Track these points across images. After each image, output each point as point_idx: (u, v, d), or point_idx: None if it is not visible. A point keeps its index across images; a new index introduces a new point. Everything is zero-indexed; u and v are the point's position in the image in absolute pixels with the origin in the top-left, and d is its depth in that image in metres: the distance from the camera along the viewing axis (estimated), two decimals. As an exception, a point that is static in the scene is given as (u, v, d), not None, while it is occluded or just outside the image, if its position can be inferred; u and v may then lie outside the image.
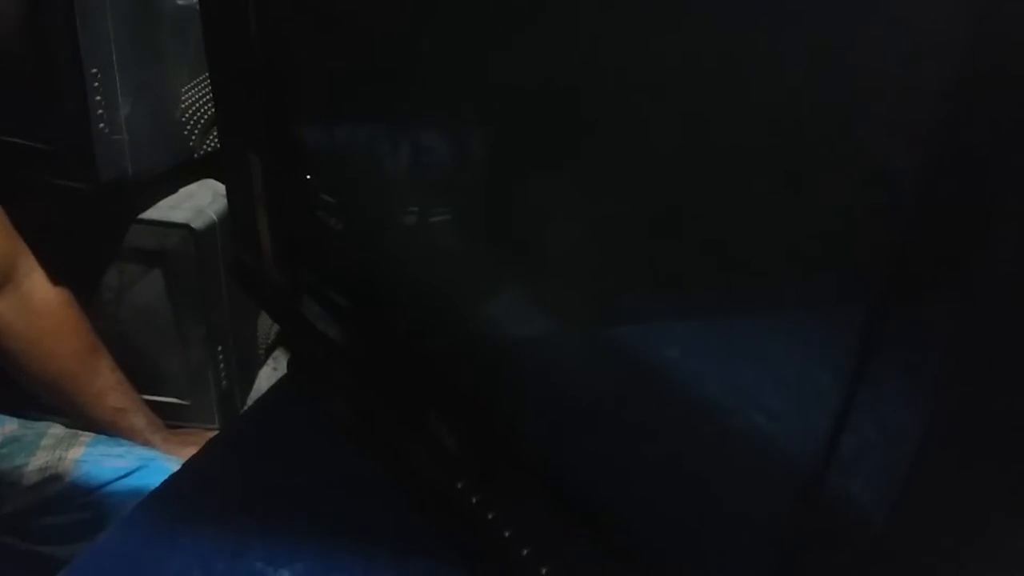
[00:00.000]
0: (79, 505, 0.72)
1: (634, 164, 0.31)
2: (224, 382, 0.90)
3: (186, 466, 0.54)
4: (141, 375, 0.87)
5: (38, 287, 0.75)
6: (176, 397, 0.89)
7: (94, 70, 0.70)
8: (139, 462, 0.75)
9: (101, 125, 0.73)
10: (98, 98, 0.71)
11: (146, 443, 0.80)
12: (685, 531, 0.35)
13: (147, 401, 0.85)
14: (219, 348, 0.88)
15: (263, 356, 1.00)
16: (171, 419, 0.87)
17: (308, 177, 0.54)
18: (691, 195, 0.30)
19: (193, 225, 0.82)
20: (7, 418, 0.77)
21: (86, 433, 0.77)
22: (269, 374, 0.99)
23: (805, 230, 0.26)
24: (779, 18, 0.25)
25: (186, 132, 0.82)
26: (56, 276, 0.76)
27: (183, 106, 0.81)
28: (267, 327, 0.99)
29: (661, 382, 0.34)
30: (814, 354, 0.26)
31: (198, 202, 0.84)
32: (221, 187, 0.86)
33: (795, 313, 0.27)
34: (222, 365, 0.89)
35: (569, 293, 0.38)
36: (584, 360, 0.39)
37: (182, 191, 0.86)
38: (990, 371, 0.21)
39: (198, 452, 0.55)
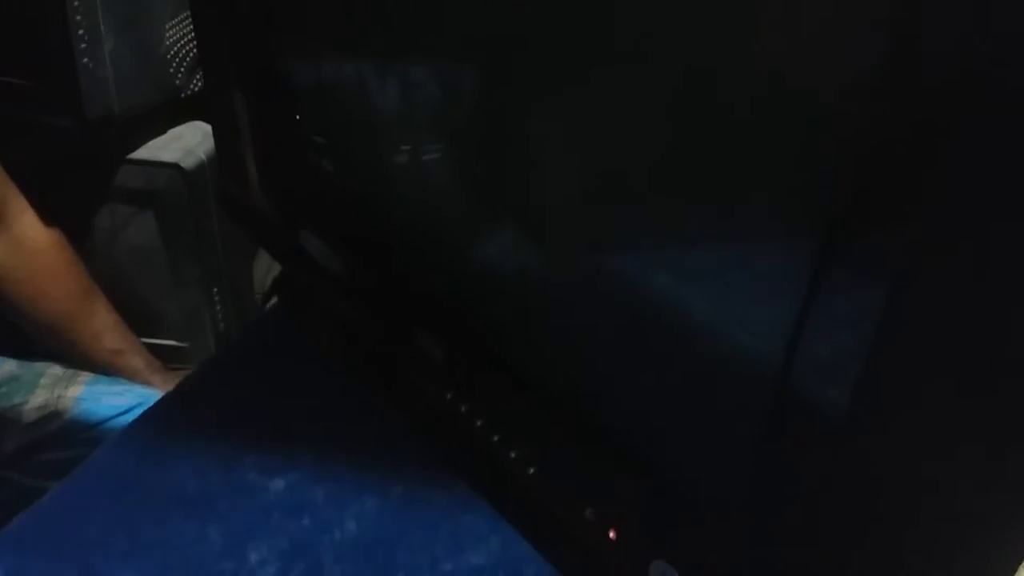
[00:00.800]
0: (79, 441, 0.73)
1: (611, 97, 0.32)
2: (221, 324, 0.91)
3: (177, 388, 0.54)
4: (138, 317, 0.87)
5: (30, 228, 0.75)
6: (174, 339, 0.90)
7: (76, 3, 0.69)
8: (138, 399, 0.76)
9: (85, 60, 0.72)
10: (80, 31, 0.70)
11: (145, 383, 0.80)
12: (666, 429, 0.35)
13: (145, 344, 0.85)
14: (215, 289, 0.88)
15: (261, 299, 1.00)
16: (170, 361, 0.87)
17: (294, 111, 0.54)
18: (663, 124, 0.30)
19: (183, 165, 0.82)
20: (5, 359, 0.78)
21: (85, 372, 0.78)
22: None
23: (769, 151, 0.26)
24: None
25: (171, 70, 0.81)
26: (48, 217, 0.76)
27: (168, 43, 0.80)
28: (264, 269, 0.99)
29: (639, 296, 0.35)
30: (777, 264, 0.28)
31: (187, 143, 0.84)
32: (210, 128, 0.85)
33: (761, 230, 0.28)
34: (218, 307, 0.89)
35: (548, 215, 0.38)
36: (564, 275, 0.39)
37: (170, 132, 0.85)
38: (938, 279, 0.22)
39: (189, 375, 0.55)
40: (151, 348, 0.86)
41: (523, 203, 0.40)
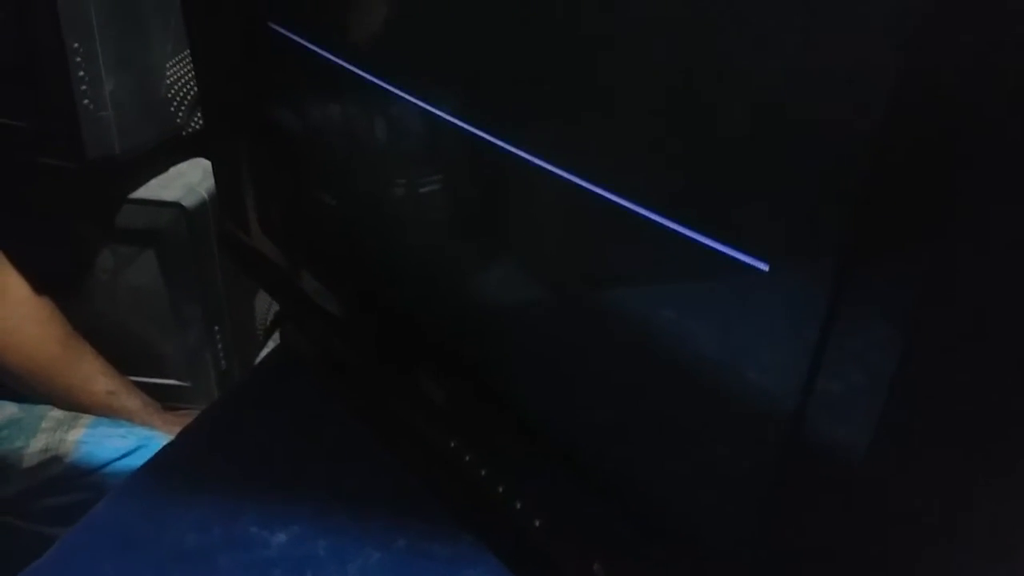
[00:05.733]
0: (81, 486, 0.72)
1: (613, 121, 0.31)
2: (223, 363, 0.90)
3: (180, 436, 0.54)
4: (139, 357, 0.86)
5: (11, 278, 0.75)
6: (175, 379, 0.89)
7: (76, 44, 0.69)
8: (140, 441, 0.75)
9: (86, 101, 0.72)
10: (81, 73, 0.70)
11: (145, 424, 0.80)
12: (673, 476, 0.34)
13: (146, 383, 0.85)
14: (216, 328, 0.88)
15: (262, 337, 0.99)
16: (171, 401, 0.87)
17: (293, 152, 0.54)
18: (666, 149, 0.29)
19: (184, 203, 0.81)
20: (7, 402, 0.77)
21: (86, 416, 0.77)
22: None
23: (777, 178, 0.26)
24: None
25: (172, 108, 0.81)
26: (29, 268, 0.76)
27: (168, 82, 0.80)
28: (265, 308, 0.98)
29: (645, 333, 0.34)
30: (790, 301, 0.27)
31: (189, 180, 0.84)
32: (211, 165, 0.85)
33: (772, 264, 0.27)
34: (220, 345, 0.89)
35: (548, 253, 0.38)
36: (567, 315, 0.38)
37: (172, 170, 0.85)
38: (955, 315, 0.22)
39: (191, 423, 0.55)
40: (152, 388, 0.85)
41: (521, 244, 0.40)
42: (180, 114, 0.83)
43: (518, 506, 0.41)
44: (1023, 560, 0.24)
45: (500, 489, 0.42)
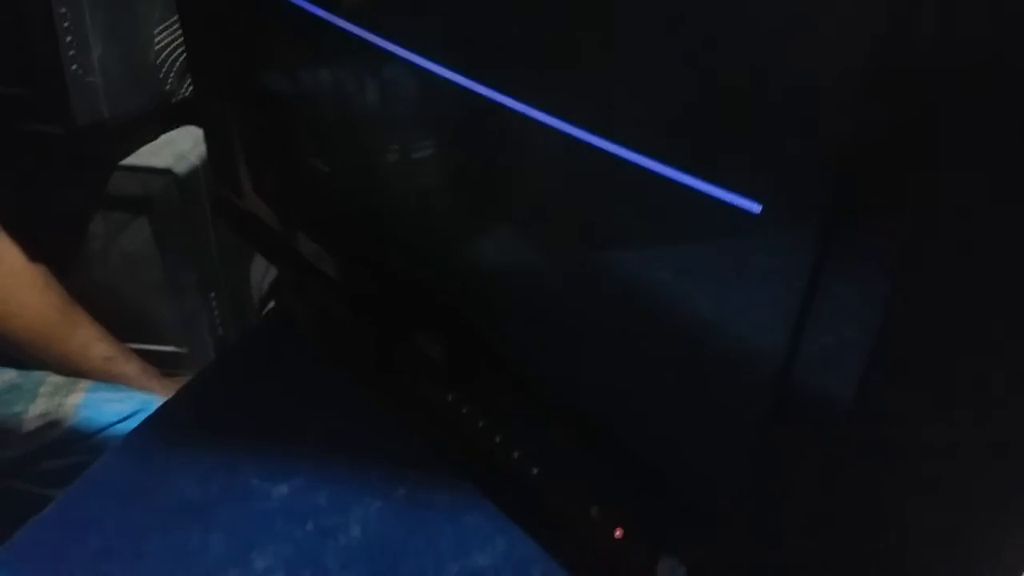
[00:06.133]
0: (81, 449, 0.73)
1: (604, 90, 0.31)
2: (220, 328, 0.90)
3: (178, 395, 0.54)
4: (135, 324, 0.87)
5: (4, 246, 0.75)
6: (172, 345, 0.89)
7: (63, 9, 0.69)
8: (139, 405, 0.76)
9: (74, 67, 0.71)
10: (69, 39, 0.70)
11: (143, 389, 0.80)
12: (668, 425, 0.35)
13: (143, 350, 0.85)
14: (212, 294, 0.88)
15: (259, 303, 1.00)
16: (169, 367, 0.87)
17: (284, 114, 0.54)
18: (656, 115, 0.30)
19: (175, 170, 0.81)
20: (5, 368, 0.78)
21: (84, 380, 0.78)
22: (265, 321, 0.99)
23: (768, 120, 0.26)
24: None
25: (162, 75, 0.81)
26: (23, 236, 0.76)
27: (157, 48, 0.80)
28: (260, 273, 0.99)
29: (637, 291, 0.34)
30: (781, 245, 0.27)
31: (180, 148, 0.83)
32: (202, 133, 0.85)
33: (760, 222, 0.27)
34: (216, 311, 0.89)
35: (543, 211, 0.38)
36: (559, 267, 0.39)
37: (162, 137, 0.84)
38: (939, 274, 0.22)
39: (189, 381, 0.55)
40: (149, 355, 0.85)
41: (517, 199, 0.40)
42: (170, 81, 0.82)
43: (516, 455, 0.42)
44: (1011, 516, 0.24)
45: (497, 439, 0.43)
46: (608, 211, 0.35)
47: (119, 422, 0.74)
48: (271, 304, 0.99)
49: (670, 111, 0.30)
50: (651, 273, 0.34)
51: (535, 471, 0.41)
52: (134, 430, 0.52)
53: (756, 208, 0.27)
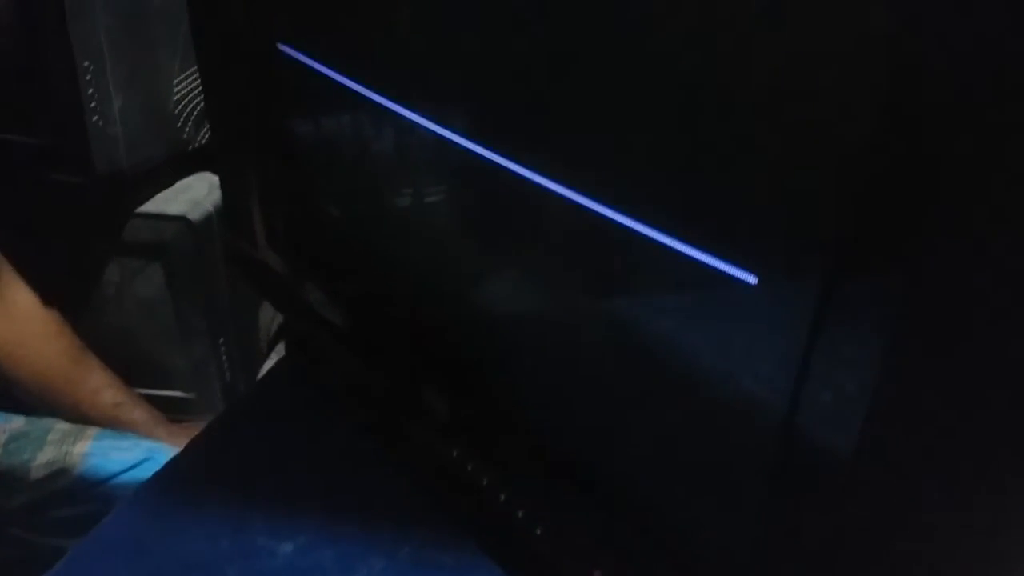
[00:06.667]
0: (88, 498, 0.73)
1: (602, 137, 0.32)
2: (228, 374, 0.91)
3: (187, 448, 0.54)
4: (145, 370, 0.87)
5: (20, 295, 0.76)
6: (181, 391, 0.90)
7: (86, 63, 0.71)
8: (146, 454, 0.76)
9: (95, 118, 0.73)
10: (91, 91, 0.72)
11: (151, 436, 0.80)
12: (670, 484, 0.35)
13: (152, 395, 0.86)
14: (221, 341, 0.89)
15: (266, 349, 1.00)
16: (177, 413, 0.88)
17: (300, 166, 0.55)
18: (654, 161, 0.30)
19: (190, 217, 0.82)
20: (14, 416, 0.78)
21: (92, 428, 0.78)
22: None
23: (764, 195, 0.27)
24: None
25: (180, 124, 0.83)
26: (36, 283, 0.77)
27: (176, 98, 0.82)
28: (269, 319, 0.99)
29: (640, 344, 0.35)
30: (778, 312, 0.28)
31: (194, 195, 0.85)
32: (217, 179, 0.86)
33: (761, 277, 0.28)
34: (225, 357, 0.90)
35: (544, 264, 0.39)
36: (564, 326, 0.39)
37: (178, 184, 0.86)
38: (936, 329, 0.23)
39: (199, 434, 0.56)
40: (158, 400, 0.86)
41: (521, 259, 0.41)
42: (187, 129, 0.84)
43: (520, 514, 0.42)
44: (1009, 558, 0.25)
45: (502, 498, 0.43)
46: (610, 272, 0.36)
47: (126, 470, 0.74)
48: (277, 349, 1.00)
49: (674, 190, 0.31)
50: (654, 335, 0.34)
51: (538, 531, 0.41)
52: (143, 484, 0.52)
53: (753, 280, 0.28)
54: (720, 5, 0.26)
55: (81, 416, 0.79)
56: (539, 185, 0.35)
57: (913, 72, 0.21)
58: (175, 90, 0.82)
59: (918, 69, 0.21)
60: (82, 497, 0.73)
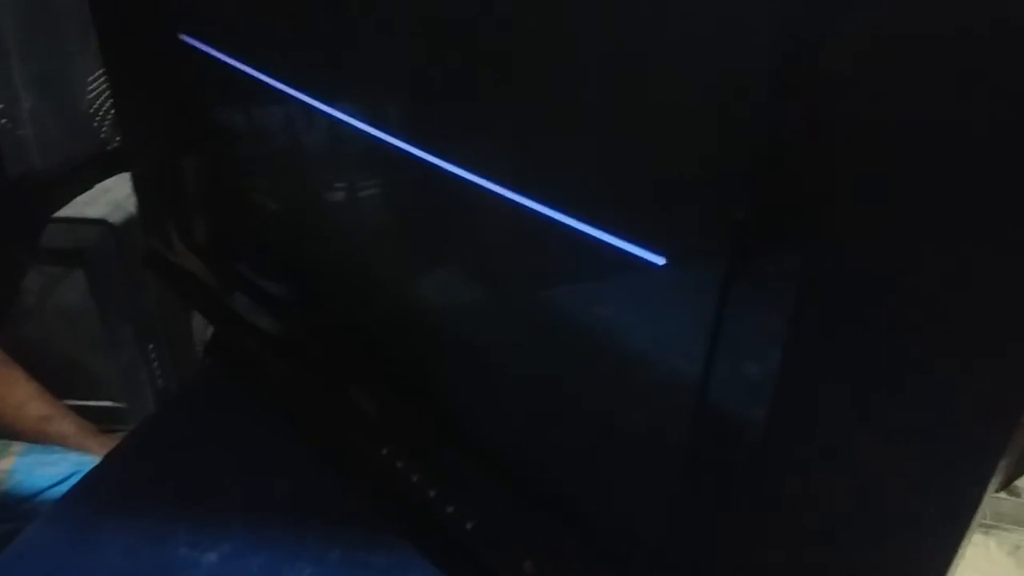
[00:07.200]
0: (13, 515, 0.70)
1: (517, 128, 0.31)
2: (160, 381, 0.88)
3: (107, 459, 0.52)
4: (72, 380, 0.84)
5: None
6: (111, 400, 0.87)
7: (-13, 64, 0.68)
8: (74, 468, 0.73)
9: (3, 120, 0.70)
10: (-5, 92, 0.69)
11: (81, 448, 0.78)
12: (592, 471, 0.35)
13: (81, 406, 0.83)
14: (151, 346, 0.86)
15: (202, 352, 0.98)
16: (109, 423, 0.85)
17: (210, 162, 0.53)
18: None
19: (111, 220, 0.80)
20: (-67, 435, 0.75)
21: (16, 444, 0.75)
22: (211, 370, 0.97)
23: (668, 179, 0.27)
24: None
25: (96, 123, 0.80)
26: None
27: (90, 97, 0.79)
28: (204, 322, 0.97)
29: (557, 329, 0.34)
30: (685, 291, 0.28)
31: (115, 196, 0.82)
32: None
33: (668, 258, 0.28)
34: (155, 364, 0.87)
35: (459, 254, 0.38)
36: (479, 315, 0.39)
37: (98, 187, 0.83)
38: (837, 304, 0.23)
39: (119, 444, 0.54)
40: (88, 411, 0.83)
41: (434, 245, 0.40)
42: (104, 129, 0.81)
43: (450, 510, 0.41)
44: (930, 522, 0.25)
45: (432, 494, 0.42)
46: (524, 258, 0.35)
47: (54, 486, 0.71)
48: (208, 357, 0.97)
49: (583, 175, 0.30)
50: (572, 320, 0.34)
51: (469, 526, 0.40)
52: (61, 499, 0.50)
53: (660, 260, 0.28)
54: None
55: (6, 430, 0.76)
56: (451, 173, 0.34)
57: (802, 51, 0.21)
58: (89, 89, 0.79)
59: (805, 50, 0.21)
60: (7, 515, 0.70)
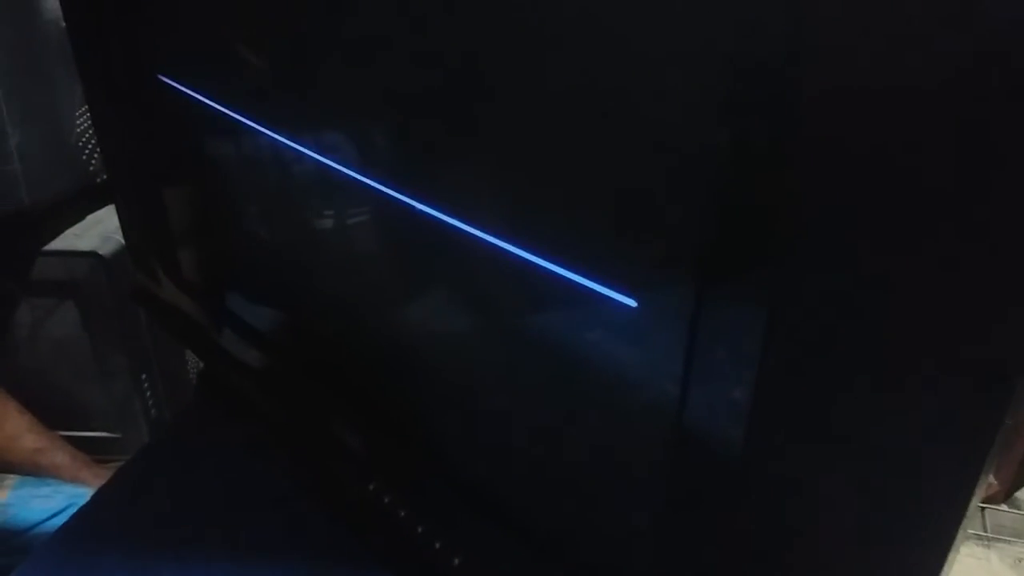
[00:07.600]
0: (8, 549, 0.70)
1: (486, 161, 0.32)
2: (153, 411, 0.88)
3: (99, 493, 0.52)
4: (66, 411, 0.84)
5: None
6: (105, 431, 0.87)
7: (-26, 101, 0.68)
8: (68, 500, 0.73)
9: (-10, 156, 0.70)
10: (-19, 129, 0.69)
11: (75, 479, 0.78)
12: (584, 507, 0.35)
13: (76, 437, 0.83)
14: (144, 376, 0.86)
15: (196, 381, 0.98)
16: (103, 453, 0.85)
17: (192, 198, 0.53)
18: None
19: (101, 252, 0.80)
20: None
21: (10, 477, 0.75)
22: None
23: (636, 227, 0.27)
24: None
25: (84, 156, 0.80)
26: None
27: (78, 130, 0.79)
28: (197, 349, 0.97)
29: (539, 366, 0.35)
30: (657, 329, 0.28)
31: (105, 228, 0.82)
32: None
33: (639, 300, 0.28)
34: (149, 394, 0.87)
35: (440, 294, 0.38)
36: (470, 355, 0.39)
37: (88, 218, 0.83)
38: (804, 326, 0.23)
39: (111, 478, 0.54)
40: (82, 442, 0.83)
41: (416, 286, 0.40)
42: (93, 161, 0.81)
43: (437, 545, 0.41)
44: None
45: (420, 529, 0.42)
46: (502, 298, 0.36)
47: (48, 519, 0.71)
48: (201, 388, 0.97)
49: (559, 225, 0.31)
50: (554, 358, 0.34)
51: (456, 561, 0.40)
52: (53, 535, 0.50)
53: (632, 303, 0.28)
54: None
55: (0, 464, 0.76)
56: (432, 217, 0.34)
57: (753, 80, 0.21)
58: (78, 122, 0.79)
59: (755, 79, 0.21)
60: (3, 549, 0.70)
